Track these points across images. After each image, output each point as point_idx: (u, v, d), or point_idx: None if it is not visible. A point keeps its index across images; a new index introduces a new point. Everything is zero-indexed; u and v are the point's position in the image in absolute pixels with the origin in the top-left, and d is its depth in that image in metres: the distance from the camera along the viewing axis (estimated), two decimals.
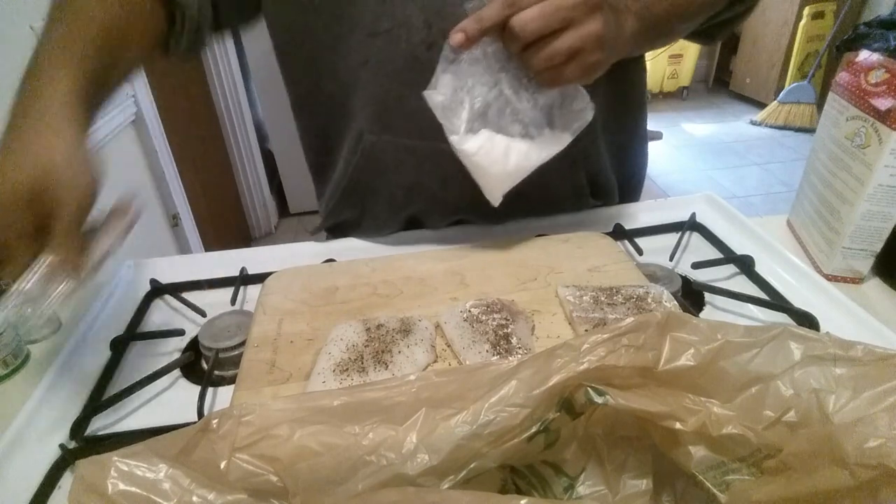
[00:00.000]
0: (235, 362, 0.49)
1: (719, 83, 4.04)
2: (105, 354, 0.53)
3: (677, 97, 3.87)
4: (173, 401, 0.49)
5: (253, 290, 0.60)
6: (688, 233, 0.68)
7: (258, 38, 0.62)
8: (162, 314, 0.61)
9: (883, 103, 0.52)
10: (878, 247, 0.57)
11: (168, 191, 1.46)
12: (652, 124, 0.74)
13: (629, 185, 0.76)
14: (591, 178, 0.68)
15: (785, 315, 0.54)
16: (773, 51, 3.43)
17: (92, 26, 0.45)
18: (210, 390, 0.49)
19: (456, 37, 0.45)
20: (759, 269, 0.60)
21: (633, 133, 0.72)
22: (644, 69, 0.72)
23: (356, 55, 0.57)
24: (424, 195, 0.67)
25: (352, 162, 0.64)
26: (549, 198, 0.68)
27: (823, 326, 0.51)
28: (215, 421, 0.30)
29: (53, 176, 0.35)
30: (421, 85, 0.50)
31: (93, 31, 0.45)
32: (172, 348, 0.55)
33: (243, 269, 0.63)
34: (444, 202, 0.68)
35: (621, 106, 0.67)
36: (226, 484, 0.28)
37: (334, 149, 0.67)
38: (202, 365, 0.53)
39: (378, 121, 0.60)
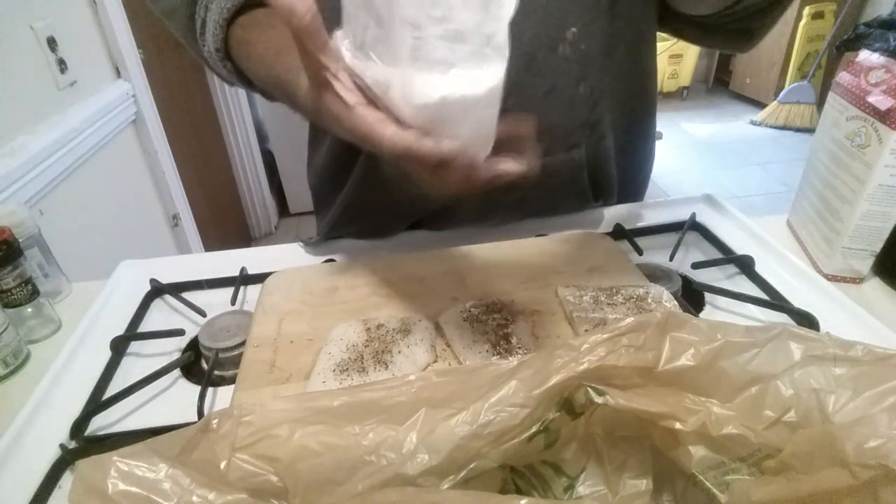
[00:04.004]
0: (235, 362, 0.49)
1: (719, 83, 4.04)
2: (105, 354, 0.53)
3: (677, 97, 3.87)
4: (173, 401, 0.49)
5: (253, 290, 0.60)
6: (688, 233, 0.67)
7: None
8: (162, 314, 0.61)
9: (883, 103, 0.52)
10: (878, 247, 0.57)
11: (168, 191, 1.46)
12: None
13: (633, 185, 0.76)
14: (594, 181, 0.68)
15: (785, 315, 0.54)
16: (773, 51, 3.43)
17: None
18: (210, 390, 0.49)
19: None
20: (759, 269, 0.60)
21: (640, 133, 0.72)
22: (655, 70, 0.71)
23: None
24: (428, 208, 0.67)
25: (356, 177, 0.64)
26: (552, 201, 0.68)
27: (823, 326, 0.51)
28: (215, 421, 0.30)
29: None
30: None
31: None
32: (172, 348, 0.55)
33: (243, 269, 0.63)
34: (447, 215, 0.68)
35: (630, 107, 0.67)
36: (226, 484, 0.28)
37: (348, 171, 0.66)
38: (202, 365, 0.53)
39: None
